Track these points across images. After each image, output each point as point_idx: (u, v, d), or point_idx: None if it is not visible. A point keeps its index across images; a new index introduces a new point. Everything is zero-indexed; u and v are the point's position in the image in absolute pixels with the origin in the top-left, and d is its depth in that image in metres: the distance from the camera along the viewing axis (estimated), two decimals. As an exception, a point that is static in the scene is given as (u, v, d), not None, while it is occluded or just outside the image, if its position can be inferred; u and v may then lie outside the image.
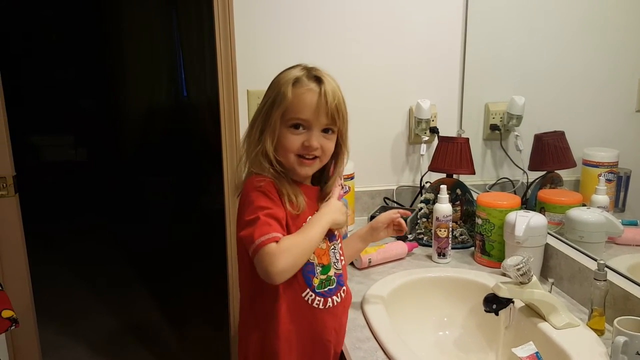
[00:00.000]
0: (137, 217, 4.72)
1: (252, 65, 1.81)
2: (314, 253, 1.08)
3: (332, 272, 1.12)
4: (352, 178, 1.77)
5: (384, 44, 1.87)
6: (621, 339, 1.06)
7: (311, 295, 1.08)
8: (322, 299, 1.09)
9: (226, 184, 1.90)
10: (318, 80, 1.05)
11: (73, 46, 5.18)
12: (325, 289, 1.10)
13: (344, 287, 1.16)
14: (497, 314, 1.22)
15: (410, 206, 1.93)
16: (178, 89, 5.26)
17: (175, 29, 5.02)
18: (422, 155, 1.93)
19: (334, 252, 1.14)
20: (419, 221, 1.77)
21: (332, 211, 1.11)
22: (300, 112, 1.04)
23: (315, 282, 1.08)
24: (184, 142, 5.01)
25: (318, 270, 1.09)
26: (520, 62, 1.87)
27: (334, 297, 1.12)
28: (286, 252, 0.98)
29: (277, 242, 0.98)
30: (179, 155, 4.90)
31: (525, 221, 1.39)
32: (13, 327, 1.54)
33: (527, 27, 1.88)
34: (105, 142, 5.14)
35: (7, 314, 1.53)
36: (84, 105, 5.17)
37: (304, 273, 1.06)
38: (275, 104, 1.05)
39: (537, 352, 0.99)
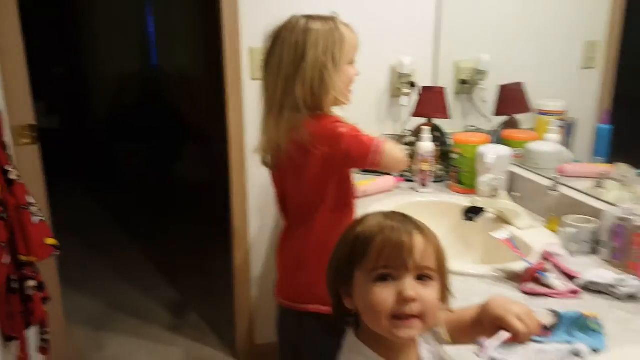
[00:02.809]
0: (111, 183, 4.84)
1: (254, 22, 2.02)
2: None
3: None
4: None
5: (365, 7, 2.12)
6: (571, 230, 1.39)
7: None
8: None
9: (231, 152, 2.13)
10: None
11: (42, 13, 5.18)
12: None
13: None
14: (474, 221, 1.54)
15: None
16: (148, 57, 5.36)
17: (145, -4, 5.10)
18: (403, 106, 2.21)
19: None
20: (402, 161, 2.07)
21: None
22: None
23: None
24: (156, 110, 5.13)
25: None
26: (486, 23, 2.17)
27: None
28: (395, 145, 1.37)
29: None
30: (151, 123, 5.01)
31: (494, 151, 1.70)
32: (57, 253, 1.75)
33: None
34: (77, 109, 5.20)
35: (50, 241, 1.73)
36: (55, 72, 5.19)
37: None
38: None
39: (511, 237, 1.30)
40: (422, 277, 0.77)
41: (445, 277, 0.81)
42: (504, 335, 0.79)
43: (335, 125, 1.30)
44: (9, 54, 1.90)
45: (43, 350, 1.79)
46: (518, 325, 0.79)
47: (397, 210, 0.87)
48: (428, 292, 0.77)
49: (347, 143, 1.28)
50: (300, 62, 1.28)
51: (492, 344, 0.78)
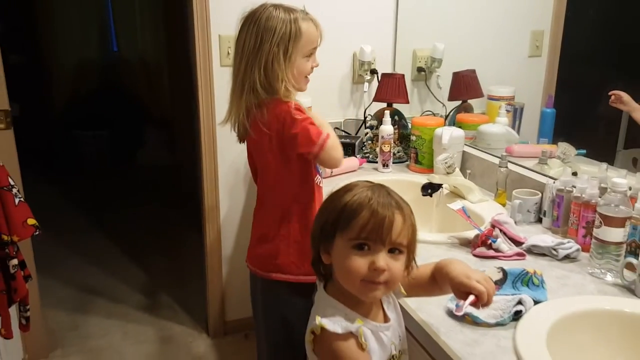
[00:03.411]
0: (75, 170, 4.82)
1: (222, 10, 2.10)
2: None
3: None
4: (310, 110, 2.15)
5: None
6: (517, 202, 1.56)
7: (317, 179, 1.53)
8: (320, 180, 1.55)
9: (202, 134, 2.21)
10: None
11: (-2, 0, 5.07)
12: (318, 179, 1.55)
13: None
14: (431, 196, 1.69)
15: (356, 134, 2.35)
16: (108, 44, 5.32)
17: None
18: (365, 92, 2.35)
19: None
20: (365, 144, 2.21)
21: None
22: None
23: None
24: (117, 95, 5.11)
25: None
26: (442, 13, 2.32)
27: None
28: (338, 145, 1.43)
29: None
30: (112, 109, 5.00)
31: (449, 132, 1.86)
32: (37, 233, 1.81)
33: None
34: (38, 97, 5.12)
35: (31, 221, 1.79)
36: (13, 61, 5.09)
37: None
38: None
39: (464, 207, 1.45)
40: (393, 250, 0.90)
41: (413, 251, 0.94)
42: (472, 297, 0.94)
43: (291, 112, 1.38)
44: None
45: (24, 327, 1.85)
46: (481, 287, 0.94)
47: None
48: (397, 265, 0.90)
49: (297, 131, 1.38)
50: (259, 47, 1.38)
51: (464, 304, 0.94)
